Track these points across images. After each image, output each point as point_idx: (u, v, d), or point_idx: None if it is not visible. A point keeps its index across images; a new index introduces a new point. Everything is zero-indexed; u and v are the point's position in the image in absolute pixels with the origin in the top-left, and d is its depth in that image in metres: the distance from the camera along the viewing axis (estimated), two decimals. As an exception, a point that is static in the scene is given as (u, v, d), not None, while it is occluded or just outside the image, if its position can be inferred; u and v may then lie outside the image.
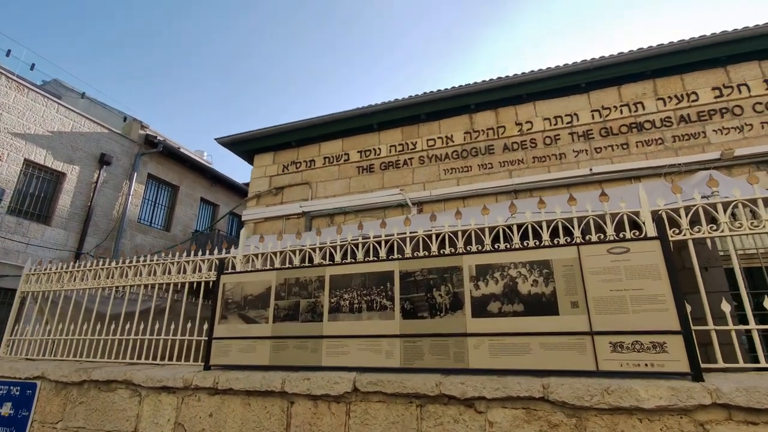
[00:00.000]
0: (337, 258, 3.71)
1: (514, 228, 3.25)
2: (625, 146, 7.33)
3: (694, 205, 2.85)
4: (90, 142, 12.18)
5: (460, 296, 3.01)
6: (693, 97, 7.38)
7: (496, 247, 3.21)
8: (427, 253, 3.30)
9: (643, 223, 2.94)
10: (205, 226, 15.70)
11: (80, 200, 11.82)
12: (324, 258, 3.80)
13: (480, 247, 3.22)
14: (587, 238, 2.97)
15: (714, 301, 2.70)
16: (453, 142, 8.78)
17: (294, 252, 3.96)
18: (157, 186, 14.28)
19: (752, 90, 7.07)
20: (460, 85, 8.65)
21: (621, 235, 2.90)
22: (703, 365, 2.41)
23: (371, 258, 3.54)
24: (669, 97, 7.46)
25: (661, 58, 7.41)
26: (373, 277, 3.31)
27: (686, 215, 2.86)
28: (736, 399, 2.16)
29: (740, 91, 7.10)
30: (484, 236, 3.30)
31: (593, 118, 7.78)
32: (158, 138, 14.03)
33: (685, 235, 2.83)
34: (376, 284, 3.28)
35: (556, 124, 8.03)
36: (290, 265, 3.83)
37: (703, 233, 2.79)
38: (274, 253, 4.05)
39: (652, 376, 2.48)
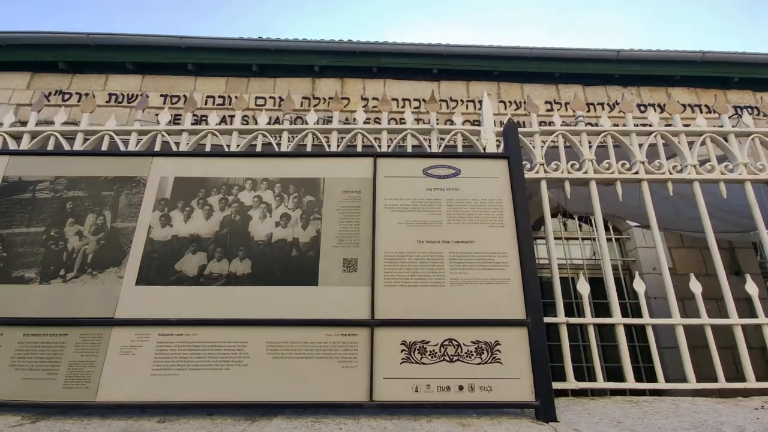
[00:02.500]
0: None
1: (285, 136, 1.77)
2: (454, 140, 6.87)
3: (554, 131, 1.81)
4: None
5: (121, 238, 1.35)
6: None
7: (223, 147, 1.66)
8: (72, 149, 1.55)
9: (484, 148, 1.78)
10: None
11: None
12: None
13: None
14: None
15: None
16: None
17: None
18: None
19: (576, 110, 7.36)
20: (305, 39, 7.17)
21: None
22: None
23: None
24: (510, 101, 7.35)
25: (505, 60, 7.27)
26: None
27: (542, 148, 1.81)
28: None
29: (567, 109, 7.36)
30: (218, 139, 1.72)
31: (441, 108, 7.21)
32: None
33: (538, 172, 1.75)
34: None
35: (403, 107, 7.20)
36: None
37: (562, 172, 1.75)
38: None
39: (469, 410, 1.22)
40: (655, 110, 6.92)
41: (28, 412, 1.20)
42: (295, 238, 1.36)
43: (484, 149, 1.78)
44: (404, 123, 6.66)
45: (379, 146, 1.82)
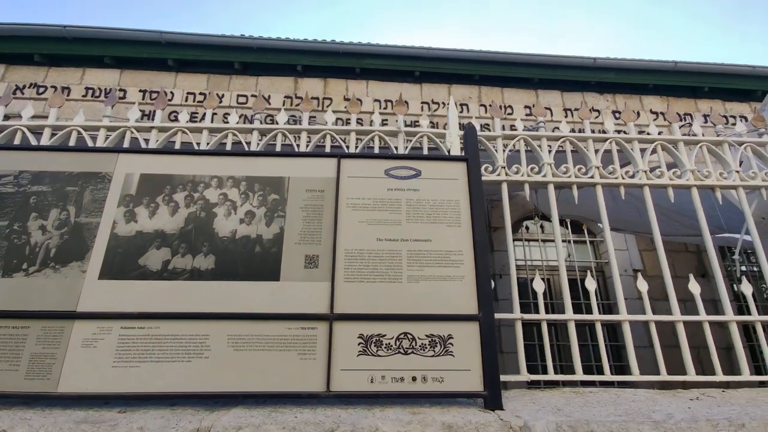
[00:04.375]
0: None
1: (255, 135, 1.80)
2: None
3: (516, 135, 1.89)
4: None
5: (84, 233, 1.37)
6: (509, 110, 7.53)
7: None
8: (39, 143, 1.56)
9: (449, 151, 1.85)
10: None
11: None
12: None
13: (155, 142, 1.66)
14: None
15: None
16: (269, 104, 7.16)
17: None
18: None
19: (555, 115, 7.54)
20: (287, 38, 7.18)
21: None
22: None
23: None
24: (490, 104, 7.48)
25: (486, 64, 7.40)
26: None
27: (503, 152, 1.89)
28: (556, 446, 1.07)
29: (548, 115, 7.54)
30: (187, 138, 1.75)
31: (422, 109, 7.31)
32: None
33: (499, 175, 1.83)
34: None
35: (386, 108, 7.27)
36: None
37: (522, 175, 1.83)
38: None
39: (422, 399, 1.29)
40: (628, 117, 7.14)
41: (-12, 404, 1.21)
42: (258, 235, 1.40)
43: (449, 152, 1.85)
44: (387, 124, 6.72)
45: (347, 147, 1.87)
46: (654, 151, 1.90)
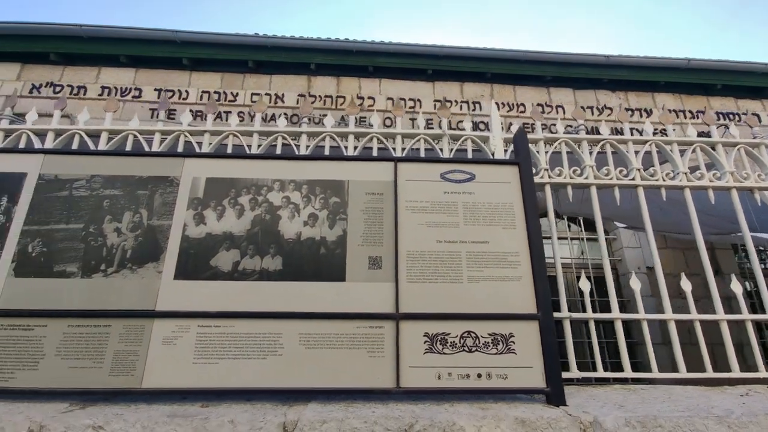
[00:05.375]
0: None
1: (304, 138, 1.85)
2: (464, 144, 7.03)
3: (558, 138, 1.94)
4: None
5: (157, 235, 1.42)
6: (521, 108, 7.55)
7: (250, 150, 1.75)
8: (105, 149, 1.62)
9: (493, 154, 1.90)
10: None
11: None
12: None
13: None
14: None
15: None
16: (283, 103, 7.19)
17: None
18: None
19: (566, 113, 7.56)
20: (301, 37, 7.21)
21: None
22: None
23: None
24: (503, 103, 7.51)
25: (499, 62, 7.42)
26: (-29, 185, 1.45)
27: (546, 154, 1.93)
28: (622, 439, 1.13)
29: (557, 111, 7.55)
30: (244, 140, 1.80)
31: (435, 107, 7.34)
32: None
33: (542, 177, 1.87)
34: (-24, 200, 1.43)
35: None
36: None
37: (565, 177, 1.88)
38: None
39: (485, 396, 1.34)
40: (641, 115, 7.16)
41: (74, 399, 1.27)
42: (322, 237, 1.46)
43: (493, 154, 1.90)
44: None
45: (394, 149, 1.92)
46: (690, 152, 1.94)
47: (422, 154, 1.91)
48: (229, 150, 1.86)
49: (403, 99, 7.53)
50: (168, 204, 1.46)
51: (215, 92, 7.24)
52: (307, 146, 1.89)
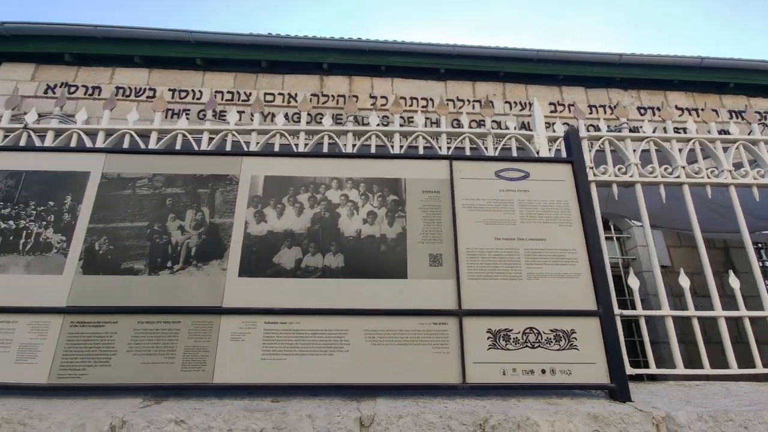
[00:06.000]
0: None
1: (350, 137, 1.87)
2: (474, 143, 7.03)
3: (601, 137, 1.95)
4: None
5: (220, 232, 1.44)
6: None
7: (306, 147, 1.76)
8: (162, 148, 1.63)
9: (537, 152, 1.91)
10: None
11: None
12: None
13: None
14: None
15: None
16: (296, 102, 7.21)
17: None
18: None
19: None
20: (314, 37, 7.23)
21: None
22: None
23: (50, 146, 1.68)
24: (515, 102, 7.51)
25: (511, 61, 7.42)
26: (36, 182, 1.47)
27: (590, 152, 1.94)
28: (695, 434, 1.14)
29: (569, 110, 7.55)
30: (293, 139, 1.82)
31: (448, 107, 7.35)
32: None
33: (588, 175, 1.88)
34: (41, 197, 1.44)
35: (411, 105, 7.31)
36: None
37: (610, 175, 1.89)
38: None
39: (548, 391, 1.35)
40: (653, 113, 7.15)
41: (147, 394, 1.29)
42: (382, 234, 1.47)
43: (538, 152, 1.91)
44: (412, 122, 6.76)
45: (440, 148, 1.93)
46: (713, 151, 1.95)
47: (467, 152, 1.92)
48: (276, 149, 1.88)
49: (416, 98, 7.54)
50: (229, 202, 1.48)
51: (228, 92, 7.27)
52: (354, 145, 1.91)
